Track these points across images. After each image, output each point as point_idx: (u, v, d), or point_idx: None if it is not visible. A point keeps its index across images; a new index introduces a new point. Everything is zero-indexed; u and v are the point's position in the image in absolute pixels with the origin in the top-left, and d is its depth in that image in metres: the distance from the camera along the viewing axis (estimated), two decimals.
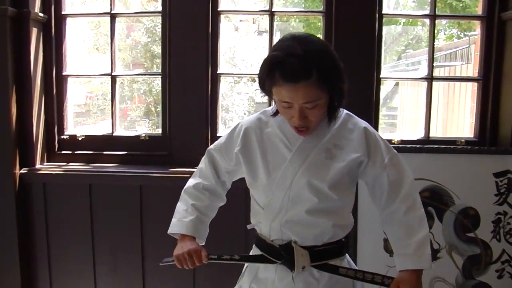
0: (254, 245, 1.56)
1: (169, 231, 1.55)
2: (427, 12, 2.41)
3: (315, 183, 1.40)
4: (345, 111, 1.50)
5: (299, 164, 1.41)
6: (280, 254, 1.45)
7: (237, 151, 1.49)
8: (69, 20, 2.48)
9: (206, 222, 1.57)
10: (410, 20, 6.88)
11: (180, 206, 1.57)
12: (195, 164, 1.70)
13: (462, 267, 2.19)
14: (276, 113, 1.46)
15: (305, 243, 1.43)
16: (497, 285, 2.19)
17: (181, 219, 1.53)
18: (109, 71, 2.46)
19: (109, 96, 2.51)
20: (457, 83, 4.37)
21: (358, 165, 1.44)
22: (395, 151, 1.50)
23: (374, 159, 1.45)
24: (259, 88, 1.41)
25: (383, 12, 2.33)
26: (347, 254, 1.53)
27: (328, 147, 1.43)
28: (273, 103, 1.47)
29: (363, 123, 1.49)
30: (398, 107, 6.99)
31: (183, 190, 1.59)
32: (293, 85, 1.27)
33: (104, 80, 4.66)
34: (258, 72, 1.38)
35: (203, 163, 1.61)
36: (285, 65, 1.27)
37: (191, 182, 1.60)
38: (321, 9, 2.38)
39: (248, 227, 1.55)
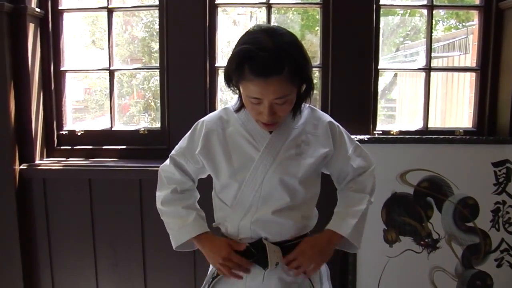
0: None
1: (176, 244, 1.49)
2: (424, 2, 2.40)
3: (287, 180, 1.39)
4: (307, 105, 1.47)
5: (269, 162, 1.39)
6: (250, 252, 1.42)
7: (198, 153, 1.45)
8: (66, 15, 2.47)
9: (203, 216, 1.53)
10: (408, 11, 6.85)
11: (170, 217, 1.51)
12: None
13: (461, 257, 2.20)
14: (239, 109, 1.42)
15: (276, 239, 1.42)
16: (496, 274, 2.21)
17: (183, 225, 1.47)
18: (107, 66, 2.46)
19: (108, 91, 2.51)
20: (455, 74, 4.38)
21: (324, 159, 1.46)
22: (357, 142, 1.54)
23: (339, 152, 1.47)
24: (225, 82, 1.36)
25: (381, 3, 2.32)
26: None
27: (297, 143, 1.42)
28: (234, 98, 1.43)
29: (327, 117, 1.50)
30: (396, 99, 6.98)
31: (160, 204, 1.53)
32: (263, 80, 1.23)
33: (102, 75, 4.64)
34: (225, 65, 1.33)
35: (169, 171, 1.53)
36: (256, 59, 1.22)
37: (164, 192, 1.53)
38: (318, 0, 2.37)
39: (214, 225, 1.52)
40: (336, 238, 1.45)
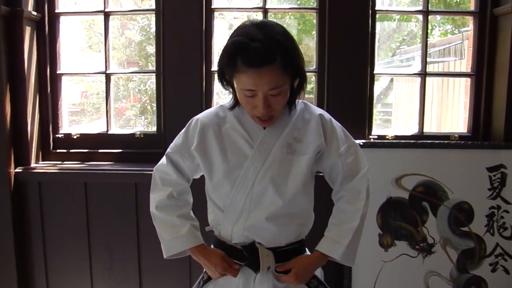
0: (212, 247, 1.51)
1: (168, 254, 1.47)
2: (420, 8, 2.42)
3: (278, 181, 1.37)
4: (301, 101, 1.46)
5: (261, 163, 1.38)
6: (243, 255, 1.41)
7: (193, 149, 1.44)
8: (62, 19, 2.48)
9: (197, 226, 1.51)
10: (405, 16, 6.88)
11: (163, 225, 1.47)
12: None
13: (456, 261, 2.21)
14: (234, 106, 1.41)
15: (270, 245, 1.41)
16: (491, 278, 2.21)
17: (176, 236, 1.44)
18: (104, 70, 2.46)
19: (104, 94, 2.51)
20: (451, 79, 4.40)
21: (317, 154, 1.43)
22: (353, 140, 1.50)
23: (330, 146, 1.44)
24: (218, 79, 1.36)
25: (377, 8, 2.34)
26: (307, 250, 1.53)
27: (288, 141, 1.41)
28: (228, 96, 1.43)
29: (319, 111, 1.48)
30: (392, 103, 7.00)
31: (154, 208, 1.48)
32: (256, 71, 1.24)
33: (99, 79, 4.64)
34: (218, 61, 1.33)
35: (165, 171, 1.50)
36: (248, 50, 1.23)
37: (159, 195, 1.48)
38: (314, 5, 2.38)
39: (207, 229, 1.51)
40: (326, 258, 1.45)
